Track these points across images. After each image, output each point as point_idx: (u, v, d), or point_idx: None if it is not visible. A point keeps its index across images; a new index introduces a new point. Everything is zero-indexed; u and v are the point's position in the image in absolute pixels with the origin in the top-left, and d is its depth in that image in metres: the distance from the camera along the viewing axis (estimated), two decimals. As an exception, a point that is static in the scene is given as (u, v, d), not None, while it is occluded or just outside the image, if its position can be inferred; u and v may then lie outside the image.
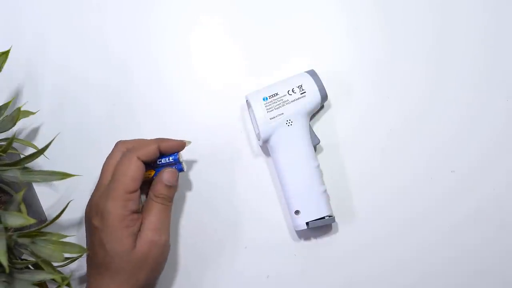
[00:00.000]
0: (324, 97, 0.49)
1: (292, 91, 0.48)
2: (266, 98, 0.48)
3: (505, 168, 0.50)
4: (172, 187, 0.45)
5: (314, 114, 0.51)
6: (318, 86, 0.48)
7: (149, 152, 0.44)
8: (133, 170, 0.42)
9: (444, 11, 0.53)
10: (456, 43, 0.53)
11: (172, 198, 0.45)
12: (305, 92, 0.48)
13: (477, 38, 0.53)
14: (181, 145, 0.46)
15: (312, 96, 0.48)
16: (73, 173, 0.42)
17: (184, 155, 0.49)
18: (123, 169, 0.42)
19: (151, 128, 0.52)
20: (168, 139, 0.46)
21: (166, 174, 0.44)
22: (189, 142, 0.47)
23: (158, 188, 0.44)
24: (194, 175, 0.51)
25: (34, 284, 0.39)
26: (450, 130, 0.51)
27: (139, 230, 0.42)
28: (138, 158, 0.43)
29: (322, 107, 0.51)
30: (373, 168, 0.51)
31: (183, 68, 0.53)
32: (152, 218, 0.43)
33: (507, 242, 0.49)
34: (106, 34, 0.54)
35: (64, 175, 0.42)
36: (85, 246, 0.44)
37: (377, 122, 0.52)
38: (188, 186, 0.51)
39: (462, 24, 0.53)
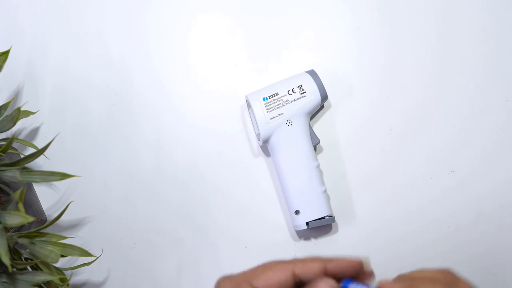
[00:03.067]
0: (324, 97, 0.48)
1: (292, 91, 0.48)
2: (266, 98, 0.48)
3: (505, 168, 0.50)
4: None
5: (314, 114, 0.51)
6: (318, 86, 0.48)
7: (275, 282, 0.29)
8: None
9: (445, 11, 0.53)
10: (457, 43, 0.53)
11: None
12: (305, 92, 0.48)
13: (478, 39, 0.53)
14: (356, 266, 0.29)
15: (312, 96, 0.48)
16: (73, 174, 0.42)
17: (184, 155, 0.49)
18: None
19: (151, 128, 0.52)
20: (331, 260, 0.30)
21: None
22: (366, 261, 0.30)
23: None
24: (194, 175, 0.51)
25: (38, 285, 0.39)
26: (450, 130, 0.51)
27: None
28: None
29: (322, 107, 0.51)
30: (373, 168, 0.51)
31: (183, 68, 0.53)
32: None
33: (506, 242, 0.49)
34: (106, 35, 0.54)
35: (63, 176, 0.42)
36: (86, 249, 0.44)
37: (377, 122, 0.52)
38: (188, 186, 0.51)
39: (463, 25, 0.53)
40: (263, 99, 0.48)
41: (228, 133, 0.52)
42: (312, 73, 0.49)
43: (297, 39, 0.53)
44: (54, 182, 0.50)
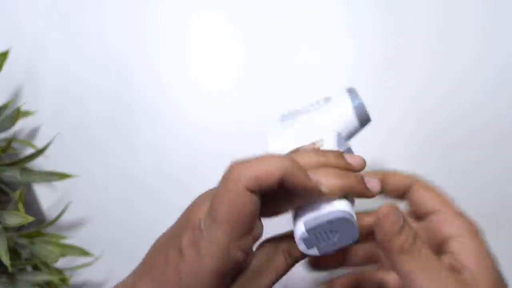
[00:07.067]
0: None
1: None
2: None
3: (505, 167, 0.50)
4: None
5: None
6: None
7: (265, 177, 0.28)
8: (239, 210, 0.28)
9: (445, 11, 0.53)
10: (457, 43, 0.53)
11: None
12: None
13: (479, 38, 0.53)
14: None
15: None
16: (72, 174, 0.42)
17: (184, 155, 0.49)
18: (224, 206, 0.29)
19: (151, 128, 0.52)
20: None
21: None
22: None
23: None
24: (193, 176, 0.51)
25: (38, 285, 0.39)
26: (450, 131, 0.51)
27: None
28: (248, 188, 0.28)
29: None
30: (373, 168, 0.51)
31: (184, 68, 0.53)
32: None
33: (506, 242, 0.49)
34: (106, 34, 0.54)
35: (63, 176, 0.43)
36: (86, 249, 0.44)
37: (377, 122, 0.51)
38: (188, 188, 0.51)
39: (463, 25, 0.53)
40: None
41: (229, 133, 0.52)
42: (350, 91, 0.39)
43: (298, 39, 0.53)
44: (54, 182, 0.50)
